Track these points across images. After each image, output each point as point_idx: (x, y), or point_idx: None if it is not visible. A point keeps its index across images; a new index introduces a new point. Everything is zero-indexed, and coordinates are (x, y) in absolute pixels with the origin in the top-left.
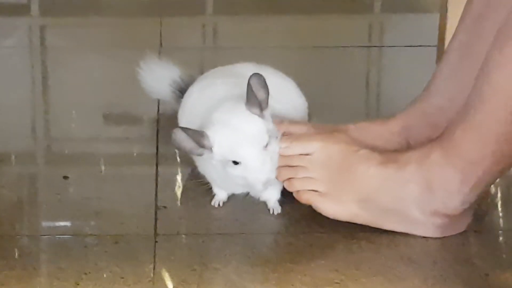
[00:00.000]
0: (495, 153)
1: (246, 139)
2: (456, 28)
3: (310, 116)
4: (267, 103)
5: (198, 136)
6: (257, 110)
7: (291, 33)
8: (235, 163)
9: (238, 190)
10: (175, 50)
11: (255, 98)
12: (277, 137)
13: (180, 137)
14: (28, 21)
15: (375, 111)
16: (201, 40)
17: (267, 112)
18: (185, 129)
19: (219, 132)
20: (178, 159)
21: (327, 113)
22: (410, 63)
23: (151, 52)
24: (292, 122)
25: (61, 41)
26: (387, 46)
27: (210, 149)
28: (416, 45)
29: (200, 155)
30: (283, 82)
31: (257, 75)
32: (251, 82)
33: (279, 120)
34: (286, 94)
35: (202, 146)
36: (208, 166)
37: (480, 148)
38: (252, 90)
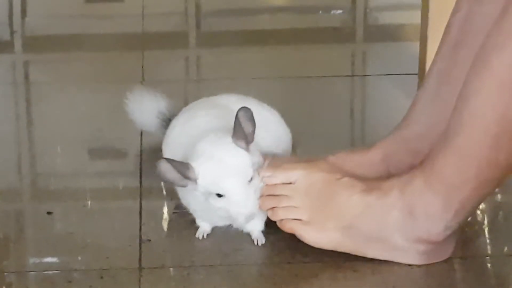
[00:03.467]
0: (477, 177)
1: (230, 172)
2: (434, 56)
3: (294, 147)
4: (253, 136)
5: (182, 167)
6: (243, 144)
7: (273, 64)
8: (219, 195)
9: (221, 222)
10: (158, 83)
11: (242, 131)
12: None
13: (164, 168)
14: (12, 58)
15: (359, 139)
16: (183, 73)
17: (252, 146)
18: (170, 160)
19: (204, 164)
20: (163, 192)
21: (311, 142)
22: (393, 91)
23: (134, 86)
24: (276, 157)
25: (44, 77)
26: (369, 75)
27: (195, 181)
28: (398, 73)
29: (184, 186)
30: (267, 113)
31: (245, 108)
32: (239, 115)
33: (263, 156)
34: (270, 126)
35: (186, 177)
36: (191, 198)
37: (462, 173)
38: (239, 124)
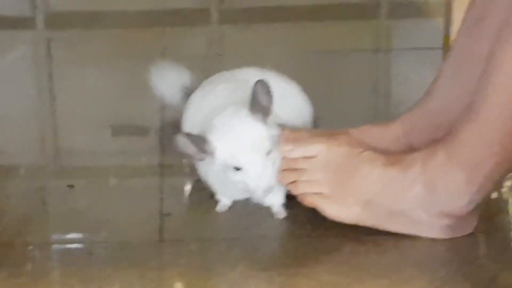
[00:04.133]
0: (500, 152)
1: (248, 146)
2: (458, 30)
3: (315, 121)
4: (270, 110)
5: (200, 141)
6: (260, 117)
7: (297, 40)
8: (237, 169)
9: (240, 196)
10: (179, 59)
11: (259, 104)
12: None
13: (182, 142)
14: (34, 34)
15: (383, 114)
16: (205, 49)
17: (270, 119)
18: (187, 135)
19: (221, 138)
20: (183, 167)
21: (334, 117)
22: (417, 66)
23: (157, 60)
24: (293, 129)
25: (66, 53)
26: (393, 50)
27: (212, 154)
28: (422, 47)
29: (202, 160)
30: (287, 86)
31: (262, 81)
32: (256, 88)
33: (280, 128)
34: (290, 99)
35: (204, 151)
36: (209, 172)
37: (485, 148)
38: (256, 97)
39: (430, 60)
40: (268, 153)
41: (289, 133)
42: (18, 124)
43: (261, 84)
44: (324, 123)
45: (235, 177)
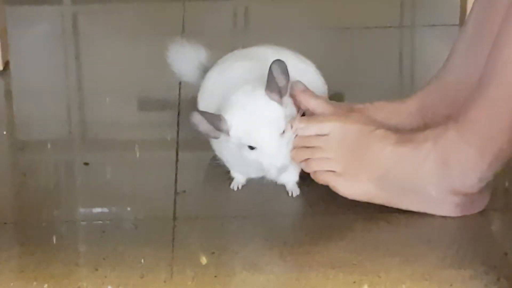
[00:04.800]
0: (510, 129)
1: (263, 125)
2: (472, 5)
3: (339, 98)
4: (287, 89)
5: (215, 119)
6: (276, 96)
7: (320, 15)
8: (251, 147)
9: (254, 174)
10: (197, 34)
11: (275, 84)
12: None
13: (197, 120)
14: (60, 9)
15: (405, 90)
16: (224, 24)
17: (286, 99)
18: (202, 112)
19: (237, 116)
20: (199, 143)
21: (357, 94)
22: (435, 42)
23: (175, 37)
24: (313, 95)
25: (90, 27)
26: (414, 26)
27: (227, 132)
28: (440, 24)
29: (217, 138)
30: (302, 65)
31: (279, 61)
32: (273, 68)
33: (302, 87)
34: (305, 77)
35: (219, 129)
36: (224, 150)
37: (496, 124)
38: (273, 76)
39: (448, 36)
40: (283, 132)
41: (308, 98)
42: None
43: (278, 64)
44: (347, 99)
45: (250, 155)
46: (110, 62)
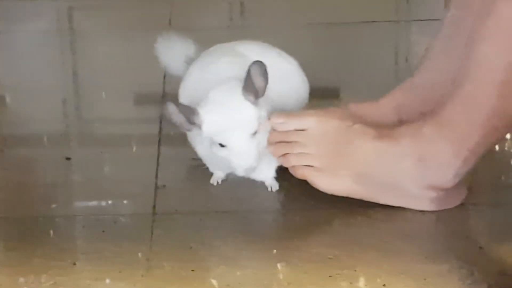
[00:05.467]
0: (485, 125)
1: (234, 125)
2: (448, 4)
3: (336, 94)
4: (264, 91)
5: (189, 112)
6: (252, 97)
7: (317, 10)
8: (221, 145)
9: (225, 169)
10: (184, 30)
11: (253, 85)
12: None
13: (171, 111)
14: (55, 4)
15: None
16: (212, 20)
17: (262, 100)
18: (177, 104)
19: (210, 112)
20: (182, 139)
21: (355, 90)
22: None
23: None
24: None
25: (85, 22)
26: (411, 21)
27: (199, 127)
28: (435, 18)
29: (189, 130)
30: (285, 63)
31: (258, 62)
32: (251, 69)
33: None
34: (287, 76)
35: (192, 122)
36: (198, 144)
37: (470, 121)
38: (250, 77)
39: None
40: (254, 133)
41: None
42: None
43: (258, 65)
44: (342, 94)
45: (219, 153)
46: (96, 57)
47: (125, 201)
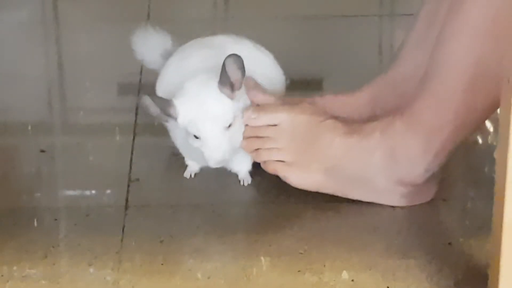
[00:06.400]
0: (455, 120)
1: (209, 117)
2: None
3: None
4: (240, 84)
5: (165, 104)
6: (227, 91)
7: (300, 3)
8: (196, 137)
9: (201, 161)
10: (163, 22)
11: (228, 78)
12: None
13: (147, 102)
14: None
15: None
16: (193, 13)
17: (238, 93)
18: (153, 96)
19: (185, 104)
20: (157, 130)
21: (338, 83)
22: None
23: (140, 24)
24: (261, 89)
25: (71, 12)
26: (396, 15)
27: (175, 118)
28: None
29: (165, 122)
30: (260, 55)
31: (234, 56)
32: (226, 62)
33: (252, 82)
34: (262, 68)
35: (167, 114)
36: (176, 134)
37: (440, 116)
38: (225, 70)
39: None
40: (228, 126)
41: (256, 93)
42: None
43: (234, 59)
44: (325, 88)
45: (194, 143)
46: (70, 48)
47: (98, 194)
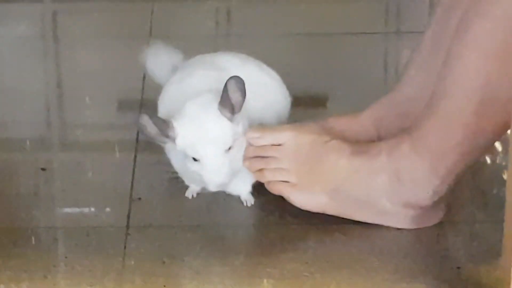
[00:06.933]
0: (462, 144)
1: (208, 140)
2: (430, 19)
3: (324, 107)
4: (240, 107)
5: (163, 124)
6: (228, 113)
7: (305, 20)
8: (195, 159)
9: (198, 184)
10: (165, 38)
11: (229, 100)
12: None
13: (145, 122)
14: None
15: None
16: (195, 29)
17: (239, 115)
18: (151, 115)
19: (185, 126)
20: (159, 149)
21: (343, 101)
22: None
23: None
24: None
25: (70, 26)
26: (402, 33)
27: (173, 139)
28: None
29: (163, 143)
30: (265, 77)
31: (236, 78)
32: (228, 84)
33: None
34: (266, 90)
35: (166, 135)
36: (173, 156)
37: (447, 139)
38: (227, 93)
39: None
40: (228, 149)
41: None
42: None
43: (235, 81)
44: (330, 106)
45: (192, 167)
46: (70, 65)
47: (98, 213)
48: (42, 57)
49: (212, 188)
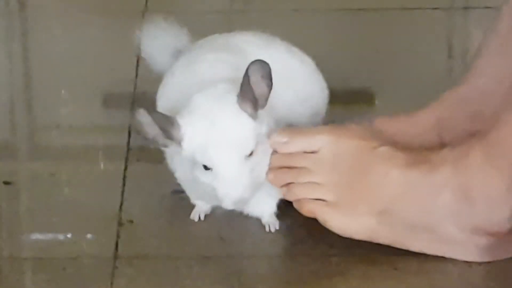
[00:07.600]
0: None
1: (224, 142)
2: None
3: (371, 99)
4: (266, 100)
5: (166, 122)
6: (249, 108)
7: None
8: (206, 168)
9: (209, 200)
10: (164, 15)
11: (251, 91)
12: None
13: (143, 120)
14: None
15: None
16: (203, 3)
17: (263, 112)
18: (151, 112)
19: (194, 124)
20: (154, 157)
21: (393, 93)
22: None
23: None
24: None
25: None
26: (469, 8)
27: (179, 142)
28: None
29: (165, 147)
30: (296, 63)
31: (260, 62)
32: (250, 71)
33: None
34: (298, 80)
35: (169, 136)
36: (177, 163)
37: None
38: (248, 82)
39: None
40: (249, 155)
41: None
42: None
43: (259, 66)
44: (378, 97)
45: (203, 177)
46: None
47: (78, 240)
48: (5, 38)
49: (228, 205)
